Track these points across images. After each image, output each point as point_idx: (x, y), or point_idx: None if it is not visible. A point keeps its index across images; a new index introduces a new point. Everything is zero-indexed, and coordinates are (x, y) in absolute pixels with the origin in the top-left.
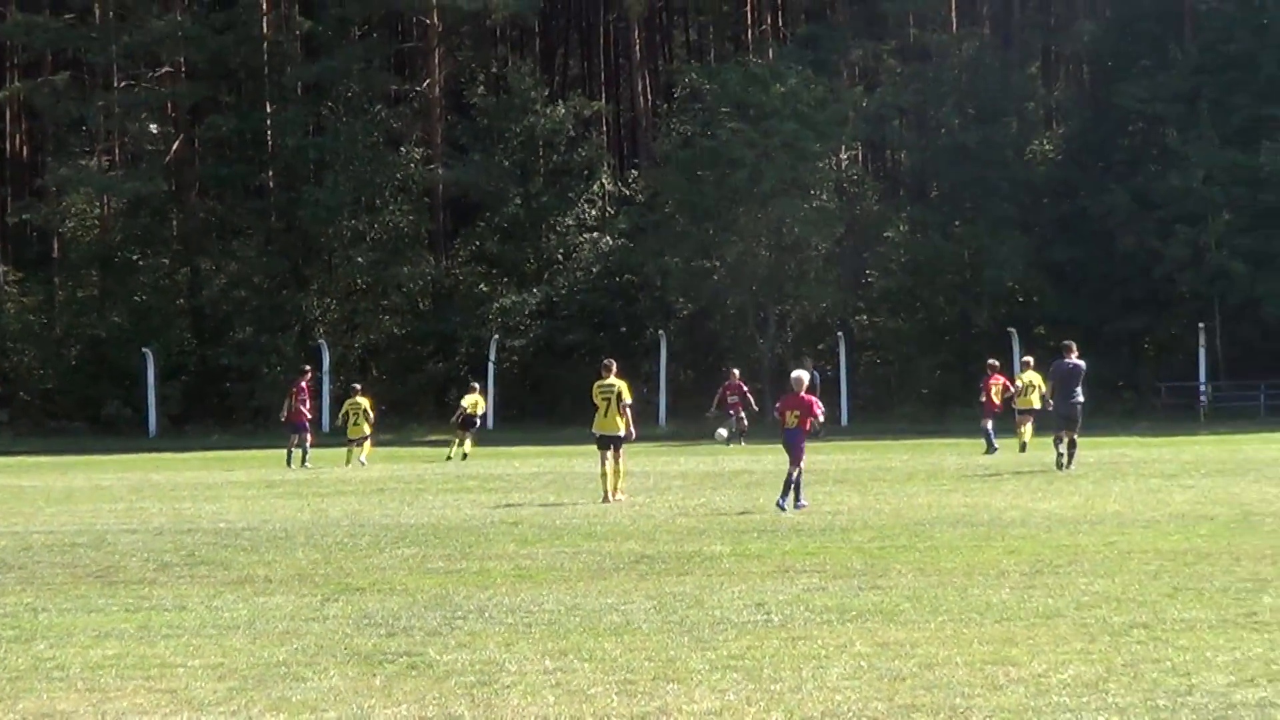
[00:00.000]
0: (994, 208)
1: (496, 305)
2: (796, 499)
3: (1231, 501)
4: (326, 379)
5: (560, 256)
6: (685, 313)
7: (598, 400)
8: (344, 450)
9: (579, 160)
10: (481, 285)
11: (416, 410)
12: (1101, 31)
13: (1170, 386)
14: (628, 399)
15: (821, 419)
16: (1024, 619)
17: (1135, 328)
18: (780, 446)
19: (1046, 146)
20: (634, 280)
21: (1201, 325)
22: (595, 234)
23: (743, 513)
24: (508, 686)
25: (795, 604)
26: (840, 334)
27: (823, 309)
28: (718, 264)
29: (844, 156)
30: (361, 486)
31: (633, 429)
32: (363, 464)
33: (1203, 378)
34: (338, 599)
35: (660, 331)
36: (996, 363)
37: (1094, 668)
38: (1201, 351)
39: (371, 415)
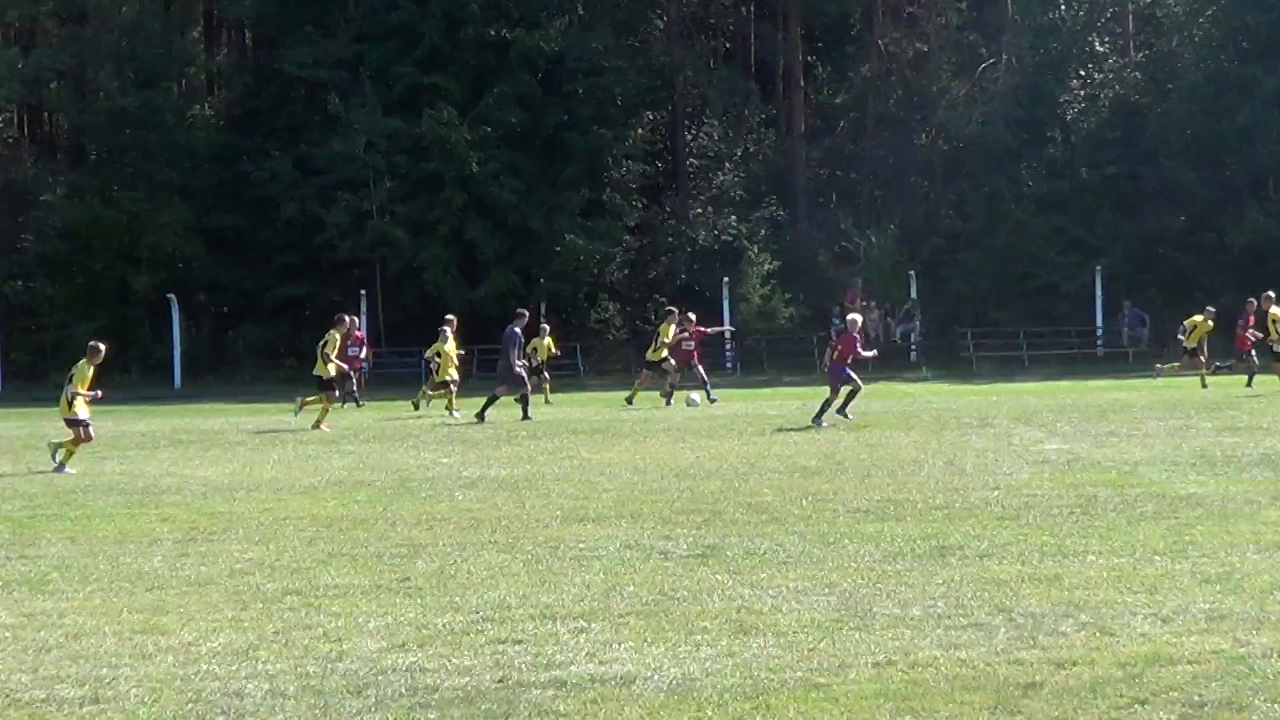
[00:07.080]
0: (155, 173)
1: None
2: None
3: (389, 467)
4: None
5: None
6: None
7: None
8: None
9: None
10: None
11: None
12: None
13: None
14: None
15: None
16: (176, 587)
17: (297, 294)
18: None
19: (209, 112)
20: None
21: (364, 292)
22: None
23: None
24: None
25: None
26: None
27: None
28: None
29: None
30: None
31: None
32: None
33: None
34: None
35: None
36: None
37: (245, 635)
38: (363, 318)
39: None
